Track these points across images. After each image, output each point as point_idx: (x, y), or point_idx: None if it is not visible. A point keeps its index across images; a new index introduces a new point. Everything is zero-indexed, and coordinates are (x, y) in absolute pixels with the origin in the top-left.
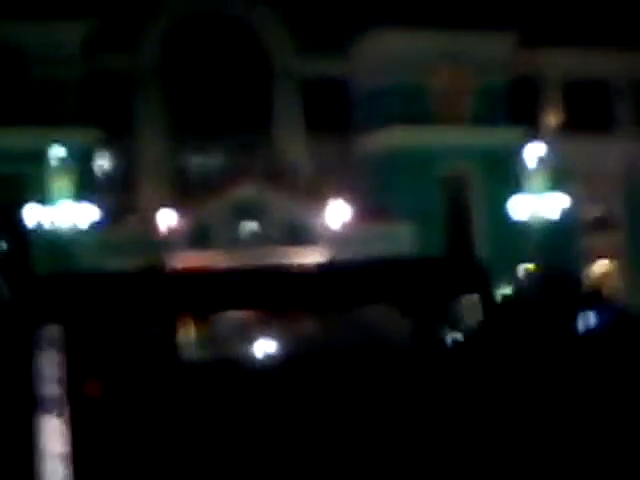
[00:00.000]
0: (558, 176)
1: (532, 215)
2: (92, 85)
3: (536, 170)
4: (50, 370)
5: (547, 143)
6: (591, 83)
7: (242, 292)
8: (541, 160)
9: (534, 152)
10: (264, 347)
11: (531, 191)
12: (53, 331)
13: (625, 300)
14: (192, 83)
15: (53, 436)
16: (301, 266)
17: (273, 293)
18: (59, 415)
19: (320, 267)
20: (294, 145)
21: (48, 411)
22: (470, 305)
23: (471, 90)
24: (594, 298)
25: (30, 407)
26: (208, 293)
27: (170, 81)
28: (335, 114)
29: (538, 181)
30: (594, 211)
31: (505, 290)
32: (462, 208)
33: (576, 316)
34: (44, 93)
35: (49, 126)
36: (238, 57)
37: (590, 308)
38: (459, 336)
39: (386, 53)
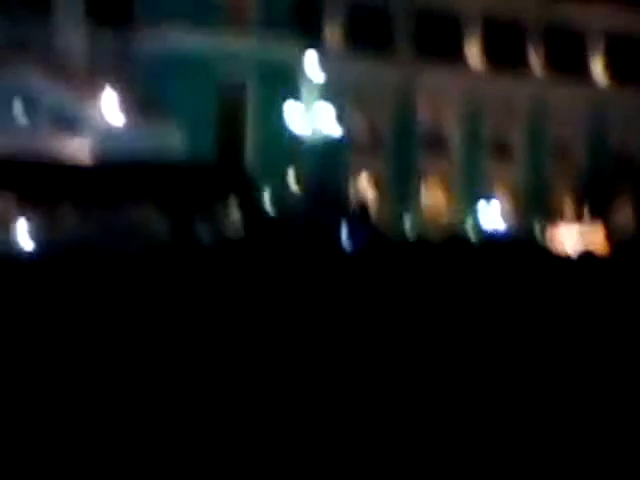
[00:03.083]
0: (333, 90)
1: (308, 127)
2: None
3: (312, 82)
4: None
5: (329, 58)
6: (373, 7)
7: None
8: (319, 73)
9: (314, 65)
10: (22, 234)
11: (306, 102)
12: None
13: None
14: None
15: None
16: (68, 158)
17: (35, 183)
18: None
19: (90, 162)
20: (72, 33)
21: None
22: (235, 208)
23: None
24: (360, 215)
25: None
26: None
27: None
28: (118, 6)
29: (312, 93)
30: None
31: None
32: (236, 115)
33: (340, 232)
34: None
35: None
36: None
37: (355, 225)
38: (223, 234)
39: None
